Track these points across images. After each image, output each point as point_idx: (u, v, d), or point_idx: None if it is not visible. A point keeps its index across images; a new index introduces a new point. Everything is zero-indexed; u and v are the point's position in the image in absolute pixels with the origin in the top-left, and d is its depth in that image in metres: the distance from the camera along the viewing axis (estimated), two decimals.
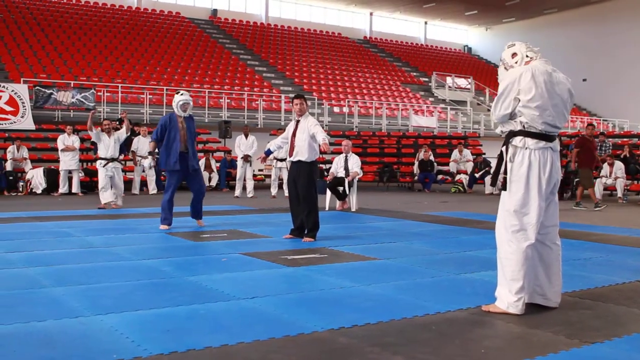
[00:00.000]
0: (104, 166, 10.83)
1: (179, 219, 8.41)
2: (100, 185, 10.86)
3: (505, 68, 4.05)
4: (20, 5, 27.71)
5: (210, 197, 13.90)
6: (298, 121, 7.20)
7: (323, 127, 7.63)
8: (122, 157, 14.59)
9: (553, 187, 3.94)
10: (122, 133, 11.05)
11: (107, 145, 10.90)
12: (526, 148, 3.84)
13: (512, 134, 3.91)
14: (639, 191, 14.03)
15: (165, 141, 7.99)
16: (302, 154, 7.07)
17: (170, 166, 7.99)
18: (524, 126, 3.87)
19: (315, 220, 7.03)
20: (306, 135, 7.05)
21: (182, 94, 8.15)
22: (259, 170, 15.20)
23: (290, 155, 7.19)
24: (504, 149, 3.95)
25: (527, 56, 3.97)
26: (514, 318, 3.72)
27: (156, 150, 8.50)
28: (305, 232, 7.04)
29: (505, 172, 3.91)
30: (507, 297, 3.82)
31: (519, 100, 3.84)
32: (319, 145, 7.05)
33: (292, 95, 24.44)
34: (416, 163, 17.87)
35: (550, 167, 3.87)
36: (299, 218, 7.11)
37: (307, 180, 7.04)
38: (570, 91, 3.98)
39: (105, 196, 10.75)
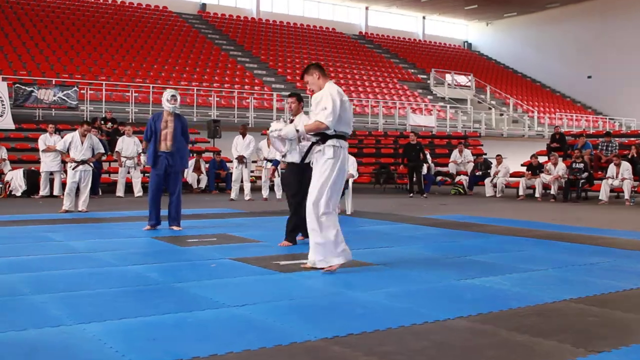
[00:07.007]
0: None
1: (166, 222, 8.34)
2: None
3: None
4: None
5: (200, 200, 13.84)
6: (292, 121, 6.77)
7: None
8: (105, 157, 14.39)
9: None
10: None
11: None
12: (340, 147, 5.30)
13: (327, 136, 5.34)
14: None
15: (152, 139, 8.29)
16: (292, 155, 6.74)
17: (149, 164, 8.26)
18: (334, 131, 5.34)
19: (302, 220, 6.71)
20: None
21: (169, 90, 8.42)
22: (250, 171, 15.07)
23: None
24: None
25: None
26: (516, 326, 3.66)
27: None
28: (300, 233, 6.85)
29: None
30: (333, 254, 5.17)
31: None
32: None
33: (284, 93, 24.39)
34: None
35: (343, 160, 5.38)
36: (291, 223, 6.88)
37: (297, 184, 6.76)
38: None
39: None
